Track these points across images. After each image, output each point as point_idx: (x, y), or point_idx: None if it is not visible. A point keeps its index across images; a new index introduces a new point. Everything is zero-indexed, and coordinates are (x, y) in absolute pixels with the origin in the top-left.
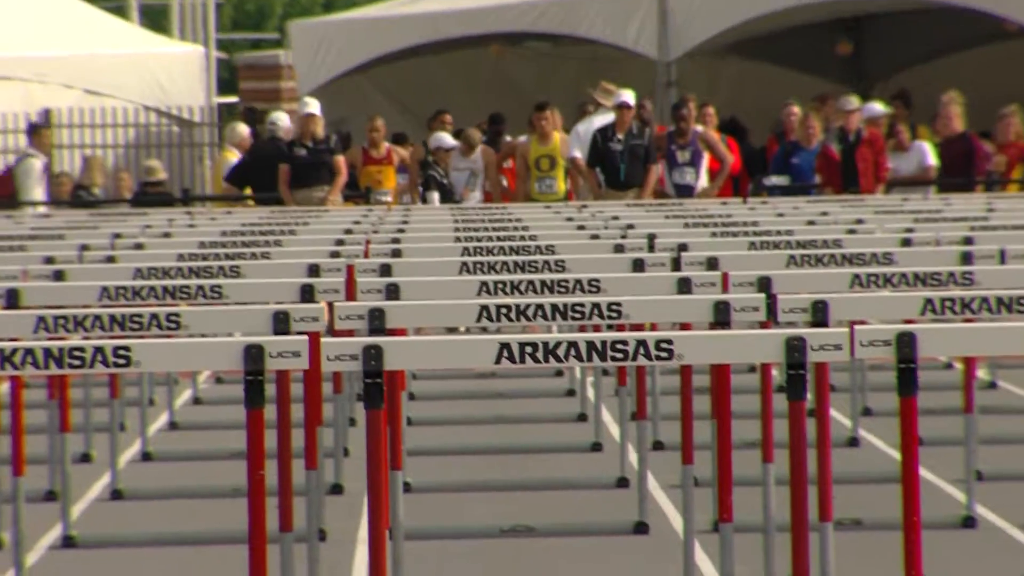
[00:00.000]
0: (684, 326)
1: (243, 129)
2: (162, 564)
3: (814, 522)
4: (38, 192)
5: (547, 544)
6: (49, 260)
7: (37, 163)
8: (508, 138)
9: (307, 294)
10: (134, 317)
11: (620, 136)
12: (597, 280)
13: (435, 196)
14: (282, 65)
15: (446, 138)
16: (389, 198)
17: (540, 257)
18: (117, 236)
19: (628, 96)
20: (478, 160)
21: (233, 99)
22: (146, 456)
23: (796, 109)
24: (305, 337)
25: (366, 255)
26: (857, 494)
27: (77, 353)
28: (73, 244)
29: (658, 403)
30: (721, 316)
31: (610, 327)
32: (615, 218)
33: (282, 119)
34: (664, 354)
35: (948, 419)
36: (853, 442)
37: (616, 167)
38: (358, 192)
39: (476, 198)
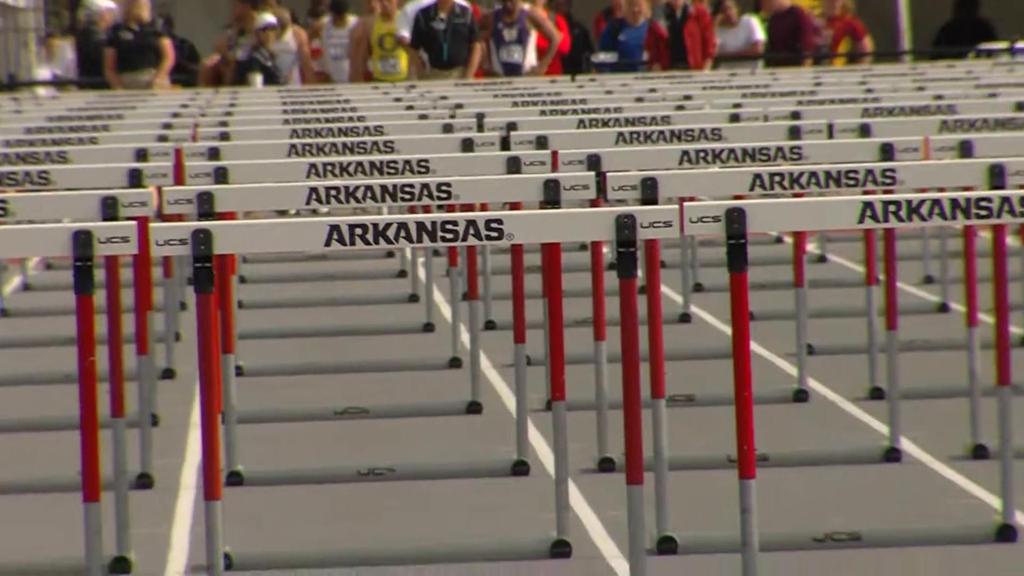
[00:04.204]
0: (514, 205)
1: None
2: None
3: (647, 399)
4: None
5: (381, 425)
6: None
7: None
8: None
9: (135, 179)
10: None
11: (443, 16)
12: (426, 161)
13: (258, 79)
14: None
15: (269, 18)
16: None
17: (369, 138)
18: None
19: None
20: (290, 41)
21: None
22: None
23: None
24: (134, 222)
25: (194, 139)
26: (689, 370)
27: None
28: None
29: (489, 283)
30: (551, 195)
31: (440, 207)
32: (443, 98)
33: (95, 2)
34: (494, 234)
35: (779, 294)
36: (684, 318)
37: (439, 47)
38: (185, 75)
39: (296, 79)
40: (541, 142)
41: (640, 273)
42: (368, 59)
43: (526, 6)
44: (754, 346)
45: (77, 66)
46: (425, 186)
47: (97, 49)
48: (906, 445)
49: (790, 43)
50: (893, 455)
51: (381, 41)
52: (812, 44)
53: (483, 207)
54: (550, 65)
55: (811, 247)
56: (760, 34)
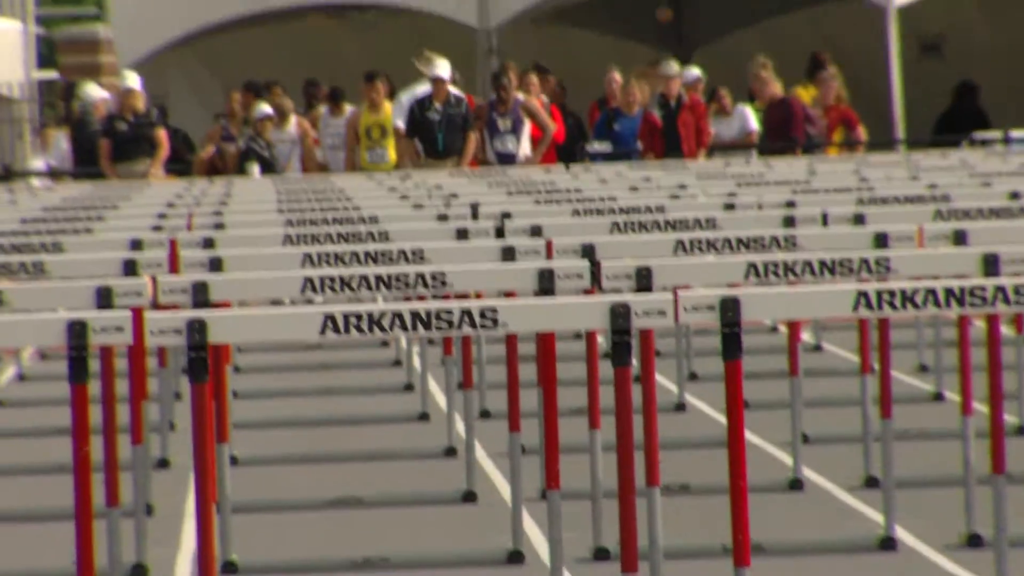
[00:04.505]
0: (509, 294)
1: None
2: None
3: (642, 487)
4: None
5: (375, 515)
6: None
7: None
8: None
9: (130, 269)
10: None
11: (438, 106)
12: (421, 250)
13: (255, 168)
14: (101, 40)
15: (265, 108)
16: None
17: (364, 227)
18: None
19: (443, 68)
20: (292, 131)
21: (53, 75)
22: None
23: (617, 76)
24: (129, 312)
25: (189, 229)
26: (684, 459)
27: None
28: None
29: (484, 372)
30: (545, 284)
31: (435, 297)
32: (438, 187)
33: (89, 93)
34: (489, 323)
35: (774, 382)
36: (680, 407)
37: (434, 136)
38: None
39: (296, 168)
40: (536, 231)
41: (635, 362)
42: (356, 149)
43: (520, 96)
44: (749, 435)
45: (72, 157)
46: (420, 275)
47: (92, 140)
48: (901, 534)
49: (783, 132)
50: (888, 544)
51: (368, 132)
52: (804, 133)
53: (478, 296)
54: (545, 154)
55: (806, 336)
56: (754, 124)
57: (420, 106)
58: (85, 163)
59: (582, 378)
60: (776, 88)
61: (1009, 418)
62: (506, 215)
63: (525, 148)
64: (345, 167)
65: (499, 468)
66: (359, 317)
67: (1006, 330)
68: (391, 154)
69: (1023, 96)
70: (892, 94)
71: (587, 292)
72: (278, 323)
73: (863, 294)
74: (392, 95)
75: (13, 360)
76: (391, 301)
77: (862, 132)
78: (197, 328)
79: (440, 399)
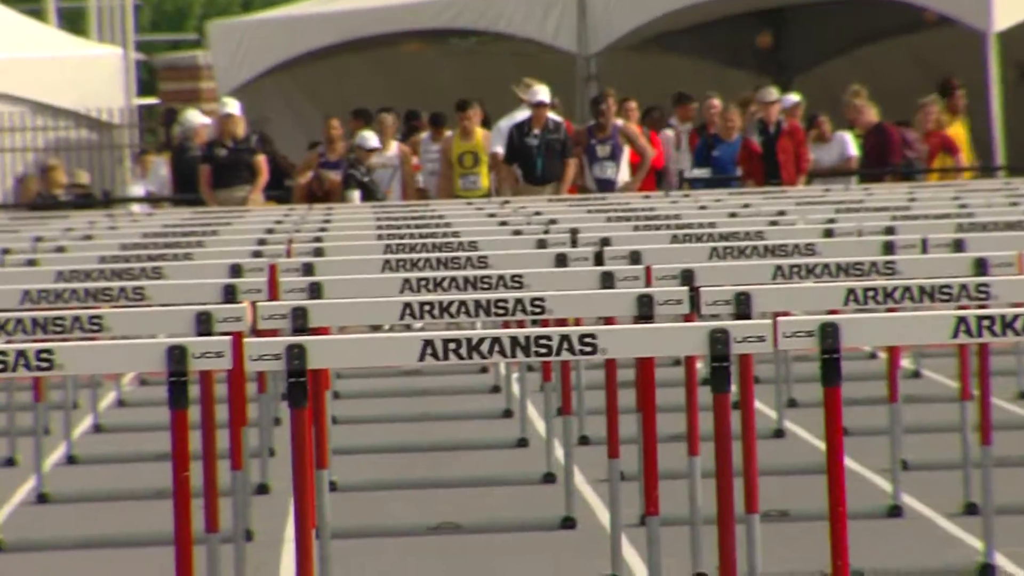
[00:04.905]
0: (608, 320)
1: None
2: (88, 567)
3: (740, 514)
4: None
5: (474, 541)
6: None
7: None
8: (424, 135)
9: (230, 294)
10: (57, 320)
11: (537, 131)
12: (520, 276)
13: (355, 195)
14: (201, 66)
15: (369, 137)
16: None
17: (463, 253)
18: (39, 239)
19: (543, 94)
20: (393, 157)
21: (153, 100)
22: (71, 459)
23: (717, 102)
24: (228, 337)
25: (288, 254)
26: (783, 485)
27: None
28: None
29: (583, 398)
30: (644, 310)
31: (534, 323)
32: (537, 213)
33: (191, 119)
34: (588, 348)
35: (873, 409)
36: (778, 433)
37: (533, 162)
38: (280, 191)
39: (396, 194)
40: (635, 257)
41: (734, 388)
42: (450, 176)
43: (619, 122)
44: (848, 461)
45: (172, 182)
46: (519, 301)
47: (191, 165)
48: (1001, 560)
49: (881, 159)
50: (988, 571)
51: (461, 159)
52: (900, 157)
53: (577, 322)
54: (643, 180)
55: (905, 362)
56: (854, 150)
57: (519, 131)
58: (184, 189)
59: (681, 404)
60: (872, 115)
61: None
62: (605, 241)
63: (624, 174)
64: (438, 193)
65: (598, 494)
66: (458, 343)
67: None
68: (484, 181)
69: None
70: (992, 120)
71: (686, 318)
72: (377, 349)
73: (963, 320)
74: (486, 122)
75: (113, 386)
76: (490, 327)
77: (963, 158)
78: (296, 354)
79: (539, 425)
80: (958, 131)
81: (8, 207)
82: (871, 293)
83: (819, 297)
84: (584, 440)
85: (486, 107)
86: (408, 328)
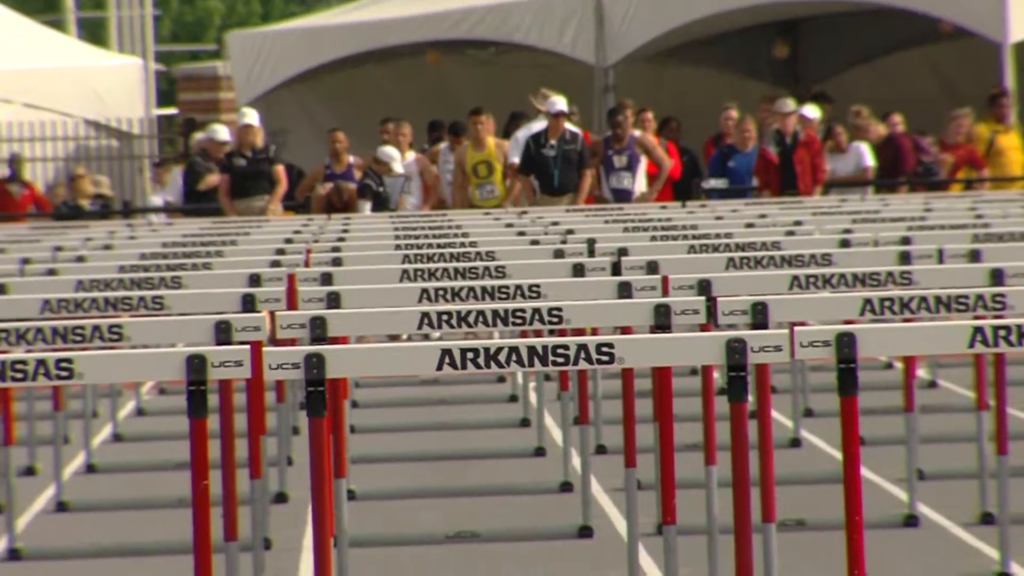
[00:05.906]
0: (625, 330)
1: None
2: None
3: (757, 523)
4: None
5: (492, 550)
6: None
7: None
8: (443, 145)
9: (248, 304)
10: (76, 329)
11: (553, 142)
12: (538, 285)
13: (366, 205)
14: (220, 76)
15: (397, 167)
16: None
17: (481, 263)
18: (58, 249)
19: (560, 104)
20: (411, 165)
21: (172, 111)
22: (90, 468)
23: (733, 113)
24: (247, 346)
25: (307, 264)
26: (800, 495)
27: (19, 366)
28: (14, 258)
29: (600, 407)
30: (661, 319)
31: (551, 332)
32: (555, 223)
33: (217, 133)
34: (605, 358)
35: (889, 419)
36: (795, 443)
37: (549, 173)
38: (297, 202)
39: (412, 204)
40: (652, 267)
41: (751, 398)
42: (466, 186)
43: (636, 132)
44: (864, 471)
45: (183, 193)
46: (536, 311)
47: (196, 179)
48: (1017, 571)
49: (893, 170)
50: None
51: (475, 169)
52: (915, 164)
53: (594, 331)
54: (660, 191)
55: (921, 372)
56: (870, 160)
57: (535, 142)
58: (192, 200)
59: (698, 413)
60: (879, 129)
61: None
62: (622, 251)
63: (641, 184)
64: (452, 203)
65: (615, 503)
66: (476, 352)
67: None
68: (500, 189)
69: None
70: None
71: (703, 328)
72: (395, 358)
73: (979, 330)
74: (507, 132)
75: (133, 394)
76: (508, 336)
77: (988, 173)
78: (315, 363)
79: (556, 434)
80: (1012, 140)
81: (31, 215)
82: (887, 303)
83: (836, 307)
84: (601, 449)
85: (503, 117)
86: (426, 337)
